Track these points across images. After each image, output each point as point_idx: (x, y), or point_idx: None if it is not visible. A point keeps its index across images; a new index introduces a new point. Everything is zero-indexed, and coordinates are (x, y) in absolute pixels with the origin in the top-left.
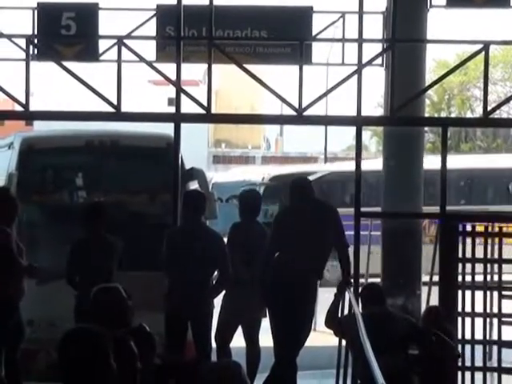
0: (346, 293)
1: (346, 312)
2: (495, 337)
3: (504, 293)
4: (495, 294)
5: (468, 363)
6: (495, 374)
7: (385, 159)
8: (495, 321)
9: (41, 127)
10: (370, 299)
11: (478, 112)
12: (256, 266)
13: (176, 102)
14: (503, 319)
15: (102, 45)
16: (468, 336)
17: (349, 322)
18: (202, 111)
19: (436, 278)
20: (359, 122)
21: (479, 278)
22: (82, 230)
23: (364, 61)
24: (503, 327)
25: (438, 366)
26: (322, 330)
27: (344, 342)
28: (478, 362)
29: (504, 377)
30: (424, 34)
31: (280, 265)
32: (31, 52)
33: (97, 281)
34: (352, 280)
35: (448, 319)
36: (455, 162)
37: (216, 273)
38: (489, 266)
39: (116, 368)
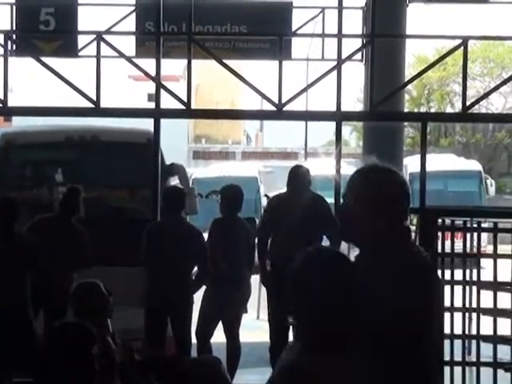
0: None
1: None
2: (474, 331)
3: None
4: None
5: (447, 358)
6: (474, 369)
7: (364, 155)
8: (474, 315)
9: (20, 123)
10: None
11: (458, 107)
12: (237, 261)
13: (156, 97)
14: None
15: (81, 40)
16: (447, 331)
17: None
18: (181, 107)
19: None
20: (339, 117)
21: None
22: None
23: (344, 56)
24: (482, 322)
25: None
26: None
27: None
28: (457, 357)
29: (483, 371)
30: (403, 30)
31: (279, 251)
32: (9, 48)
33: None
34: None
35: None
36: None
37: (196, 268)
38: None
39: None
